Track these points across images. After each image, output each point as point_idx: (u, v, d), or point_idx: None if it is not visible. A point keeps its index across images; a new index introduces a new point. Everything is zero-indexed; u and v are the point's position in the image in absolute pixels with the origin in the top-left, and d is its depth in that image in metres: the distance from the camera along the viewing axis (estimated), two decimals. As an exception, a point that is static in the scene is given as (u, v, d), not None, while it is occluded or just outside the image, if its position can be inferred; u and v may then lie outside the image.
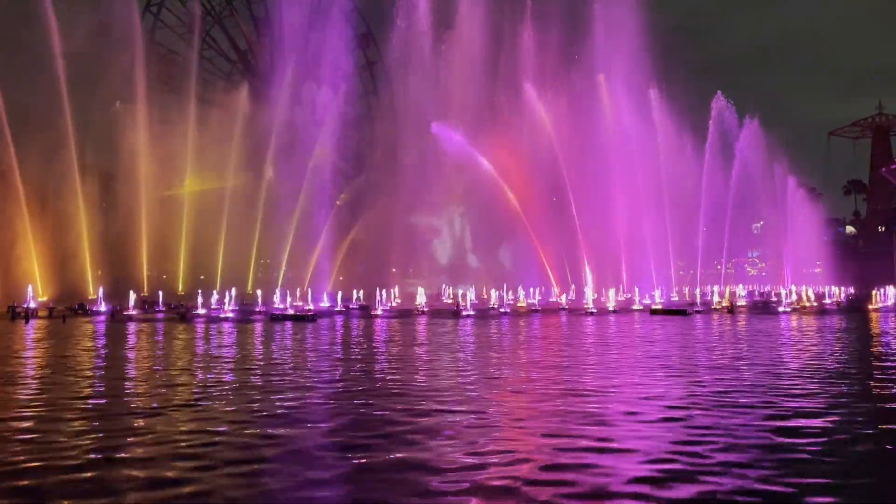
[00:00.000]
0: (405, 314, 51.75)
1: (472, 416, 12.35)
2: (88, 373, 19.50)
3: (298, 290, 66.28)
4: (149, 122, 70.00)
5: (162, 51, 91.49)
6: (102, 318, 50.33)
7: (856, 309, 56.39)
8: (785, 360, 20.75)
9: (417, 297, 59.23)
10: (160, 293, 62.99)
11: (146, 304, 61.59)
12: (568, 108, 65.23)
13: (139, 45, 69.29)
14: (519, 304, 63.11)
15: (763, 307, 62.18)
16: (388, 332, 35.22)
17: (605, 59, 66.47)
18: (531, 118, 64.66)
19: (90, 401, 14.72)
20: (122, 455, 9.78)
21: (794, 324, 38.37)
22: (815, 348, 24.69)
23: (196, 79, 77.28)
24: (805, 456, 9.40)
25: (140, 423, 12.02)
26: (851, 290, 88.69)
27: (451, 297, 65.11)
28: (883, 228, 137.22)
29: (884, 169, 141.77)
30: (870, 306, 58.04)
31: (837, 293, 77.70)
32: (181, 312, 51.64)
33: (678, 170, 67.07)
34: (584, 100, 66.39)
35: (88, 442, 10.61)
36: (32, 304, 54.24)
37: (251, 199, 70.90)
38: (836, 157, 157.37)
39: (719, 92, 68.83)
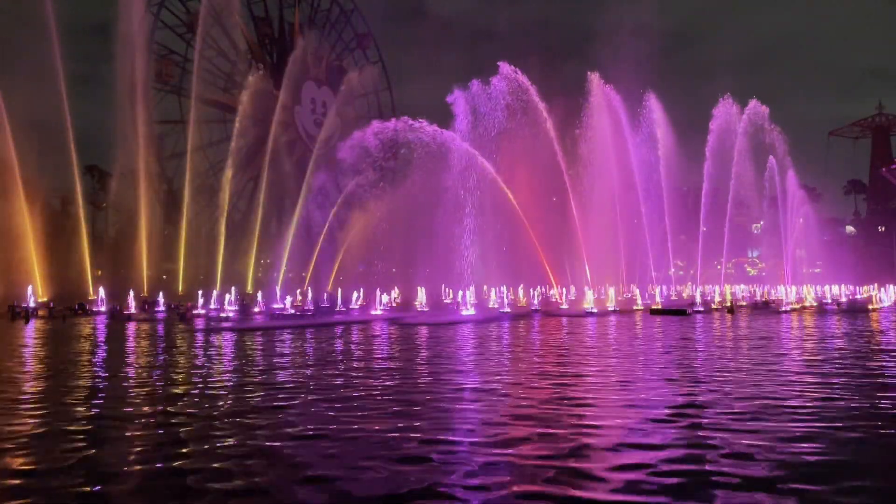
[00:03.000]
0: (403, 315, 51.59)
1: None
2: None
3: (298, 290, 66.36)
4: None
5: (162, 51, 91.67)
6: (102, 318, 50.31)
7: (856, 309, 56.32)
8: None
9: (418, 296, 59.22)
10: (160, 293, 63.03)
11: (146, 304, 61.66)
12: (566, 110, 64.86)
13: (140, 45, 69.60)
14: (519, 304, 63.10)
15: (763, 307, 62.10)
16: (388, 335, 35.20)
17: (604, 59, 66.49)
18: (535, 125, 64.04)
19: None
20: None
21: (796, 323, 38.33)
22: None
23: (196, 79, 77.55)
24: None
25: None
26: (851, 291, 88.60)
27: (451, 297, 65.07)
28: (883, 228, 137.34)
29: (884, 169, 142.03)
30: (870, 306, 57.95)
31: (838, 293, 77.58)
32: (181, 312, 51.72)
33: (678, 169, 66.99)
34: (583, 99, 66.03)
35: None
36: (32, 304, 54.28)
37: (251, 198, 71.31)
38: (836, 157, 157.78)
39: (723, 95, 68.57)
